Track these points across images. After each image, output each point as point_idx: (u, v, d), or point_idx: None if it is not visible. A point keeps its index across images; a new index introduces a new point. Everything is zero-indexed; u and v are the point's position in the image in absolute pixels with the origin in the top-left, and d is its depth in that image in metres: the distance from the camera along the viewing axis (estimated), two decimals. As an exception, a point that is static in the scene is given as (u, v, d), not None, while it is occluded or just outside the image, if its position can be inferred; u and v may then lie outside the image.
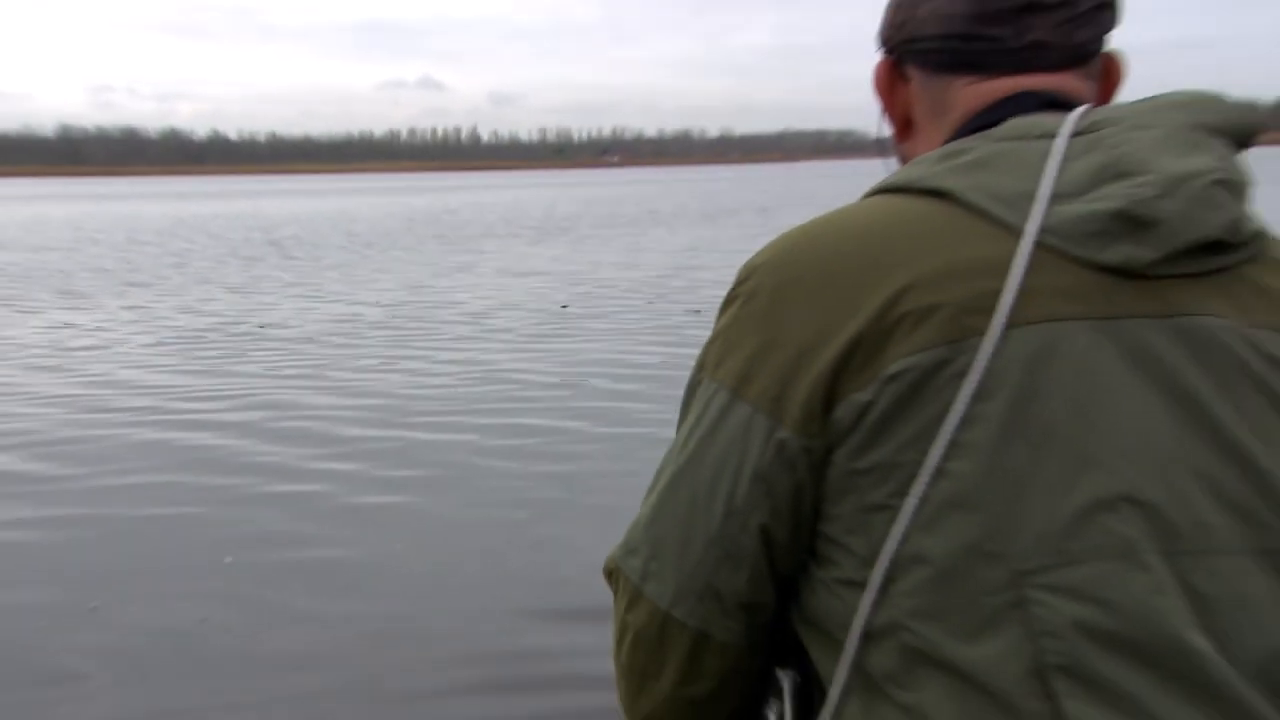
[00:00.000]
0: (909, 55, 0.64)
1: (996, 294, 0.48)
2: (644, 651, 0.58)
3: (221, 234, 21.45)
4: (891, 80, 0.66)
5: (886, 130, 0.69)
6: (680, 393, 0.60)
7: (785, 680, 0.60)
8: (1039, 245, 0.49)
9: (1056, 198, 0.50)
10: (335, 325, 8.70)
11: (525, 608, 2.97)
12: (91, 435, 5.12)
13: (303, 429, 5.17)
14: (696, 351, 0.59)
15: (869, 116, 0.68)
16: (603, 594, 0.63)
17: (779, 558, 0.55)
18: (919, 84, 0.64)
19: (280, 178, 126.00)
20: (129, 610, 3.02)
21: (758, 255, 0.59)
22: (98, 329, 8.70)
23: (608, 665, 0.63)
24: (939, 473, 0.47)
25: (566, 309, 9.42)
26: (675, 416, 0.60)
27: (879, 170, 0.64)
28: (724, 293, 0.59)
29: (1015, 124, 0.55)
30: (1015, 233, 0.49)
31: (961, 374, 0.48)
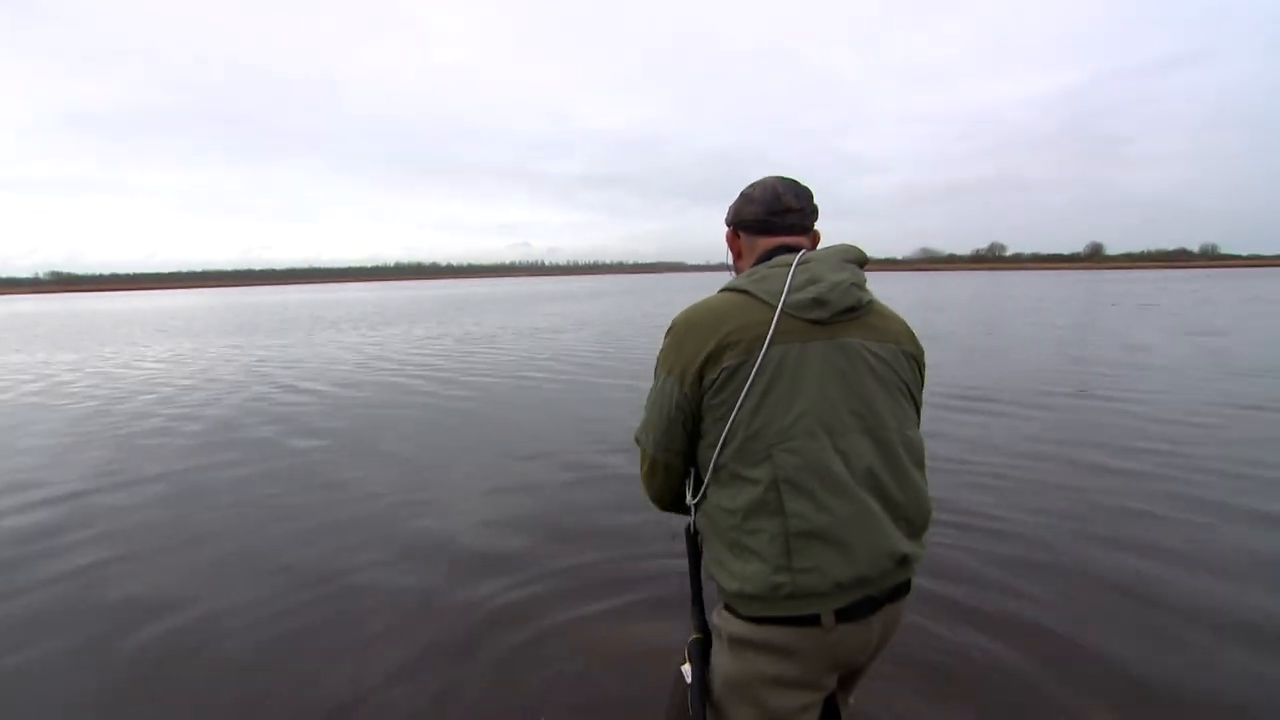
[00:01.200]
0: (740, 226, 1.41)
1: (765, 335, 1.19)
2: (648, 470, 1.36)
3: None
4: (733, 237, 1.43)
5: (729, 259, 1.46)
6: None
7: (689, 479, 1.36)
8: (783, 312, 1.21)
9: (790, 291, 1.22)
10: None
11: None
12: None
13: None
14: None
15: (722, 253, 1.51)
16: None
17: (688, 435, 1.28)
18: (744, 239, 1.41)
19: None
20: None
21: (676, 318, 1.31)
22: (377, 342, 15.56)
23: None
24: (741, 406, 1.19)
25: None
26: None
27: (727, 276, 1.40)
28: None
29: (777, 260, 1.30)
30: (774, 308, 1.22)
31: (750, 368, 1.19)
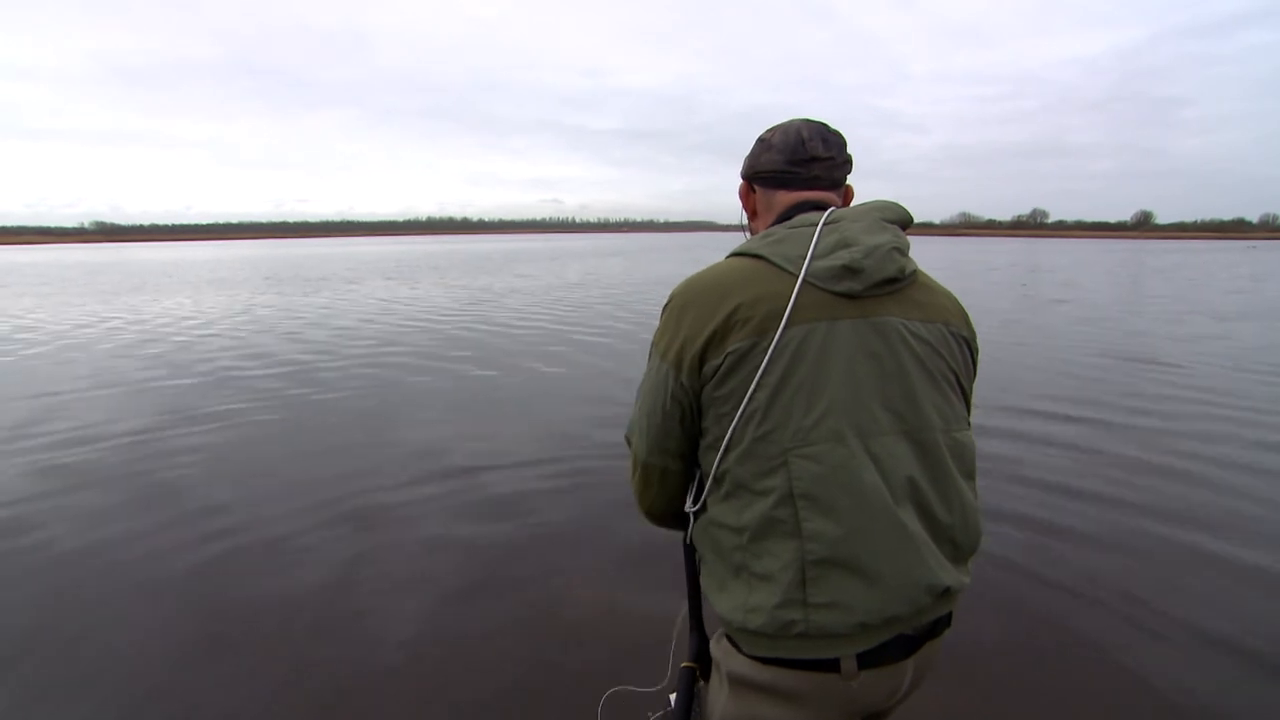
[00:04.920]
0: (756, 179, 1.15)
1: (783, 311, 0.95)
2: (639, 477, 1.12)
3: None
4: (747, 191, 1.17)
5: (744, 217, 1.20)
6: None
7: (693, 480, 1.10)
8: (805, 282, 0.96)
9: (814, 257, 0.97)
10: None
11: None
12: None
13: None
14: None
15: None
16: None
17: (687, 434, 1.04)
18: (760, 194, 1.15)
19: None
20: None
21: (675, 288, 1.07)
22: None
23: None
24: (750, 399, 0.95)
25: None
26: None
27: (740, 236, 1.14)
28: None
29: (799, 218, 1.04)
30: (794, 276, 0.97)
31: (763, 352, 0.95)
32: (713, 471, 1.00)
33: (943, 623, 1.01)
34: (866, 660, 0.94)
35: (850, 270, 0.96)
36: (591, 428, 5.18)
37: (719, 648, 1.06)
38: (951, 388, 1.02)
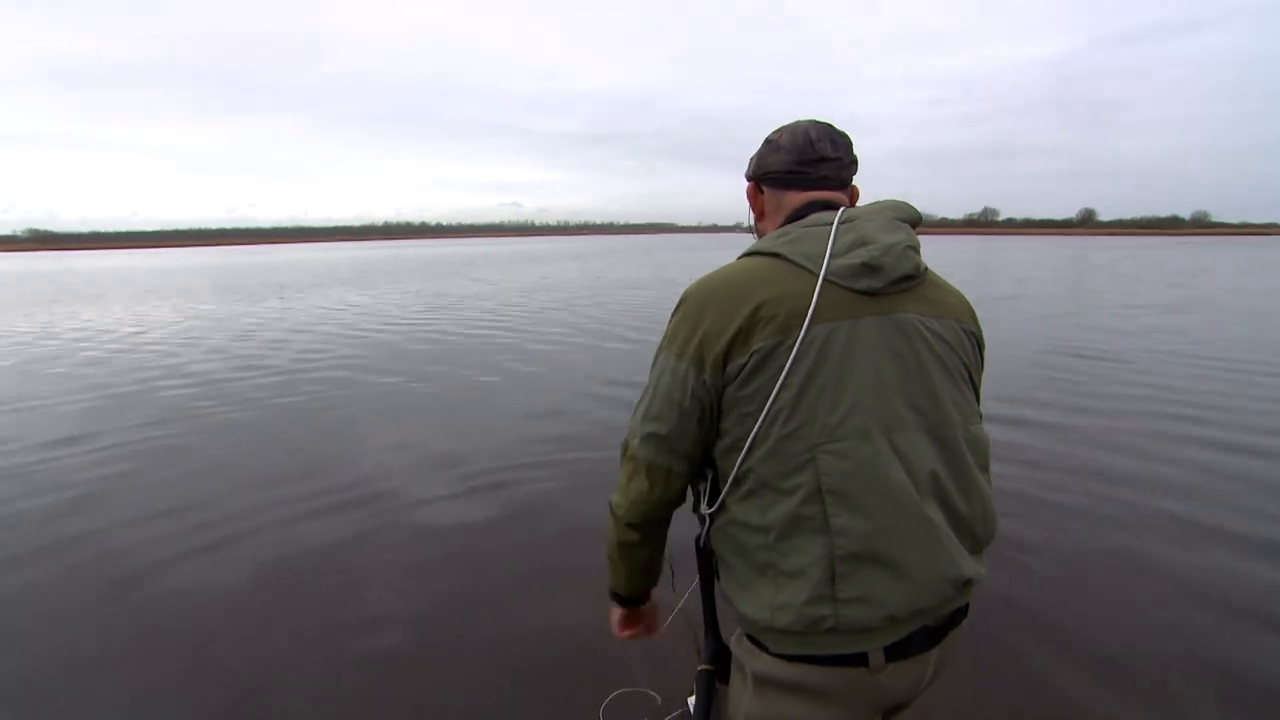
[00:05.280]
0: (764, 179, 1.16)
1: (805, 309, 0.95)
2: (641, 479, 1.06)
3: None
4: (754, 192, 1.18)
5: (750, 220, 1.21)
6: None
7: (704, 481, 1.08)
8: (825, 281, 0.96)
9: (833, 256, 0.97)
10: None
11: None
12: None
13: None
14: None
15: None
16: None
17: (704, 435, 1.03)
18: (768, 194, 1.16)
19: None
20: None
21: (689, 288, 1.06)
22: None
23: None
24: (776, 398, 0.95)
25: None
26: None
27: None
28: None
29: (813, 217, 1.05)
30: (814, 275, 0.97)
31: (788, 350, 0.95)
32: (733, 472, 1.00)
33: (961, 613, 1.03)
34: (893, 653, 0.95)
35: (870, 268, 0.97)
36: (574, 431, 5.15)
37: (740, 648, 1.06)
38: (965, 383, 1.04)
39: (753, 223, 1.21)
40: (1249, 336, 9.32)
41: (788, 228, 1.05)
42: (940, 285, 1.07)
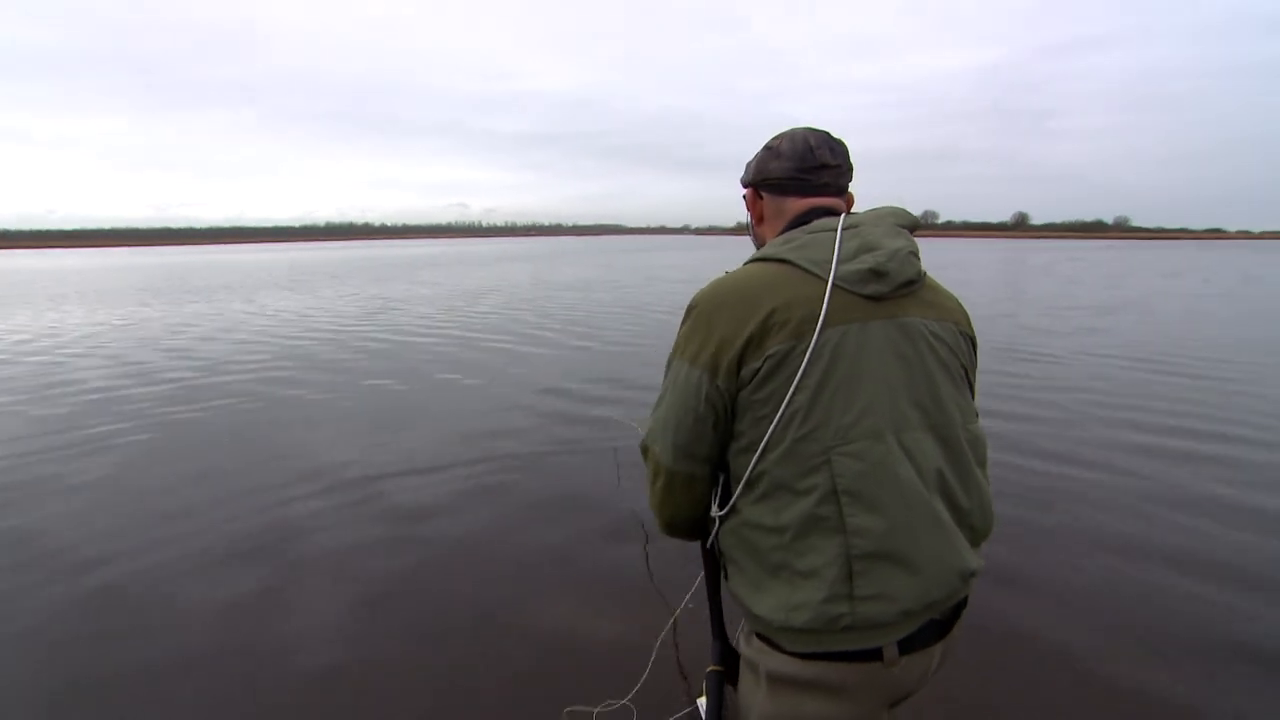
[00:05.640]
0: (764, 185, 1.18)
1: (817, 314, 0.98)
2: (663, 486, 1.10)
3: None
4: (754, 198, 1.20)
5: (750, 225, 1.24)
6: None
7: (715, 484, 1.11)
8: (834, 286, 0.99)
9: (840, 262, 1.00)
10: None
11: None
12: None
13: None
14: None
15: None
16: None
17: (719, 438, 1.05)
18: (768, 200, 1.18)
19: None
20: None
21: (698, 293, 1.07)
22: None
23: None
24: (790, 401, 0.97)
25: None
26: None
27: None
28: None
29: (817, 223, 1.07)
30: (823, 280, 0.99)
31: (802, 354, 0.97)
32: (746, 474, 1.01)
33: (962, 604, 1.07)
34: (905, 646, 0.98)
35: (876, 274, 0.99)
36: (522, 429, 5.10)
37: (751, 648, 1.08)
38: (964, 383, 1.08)
39: (752, 229, 1.23)
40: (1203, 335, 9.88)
41: (792, 234, 1.08)
42: (937, 289, 1.11)
